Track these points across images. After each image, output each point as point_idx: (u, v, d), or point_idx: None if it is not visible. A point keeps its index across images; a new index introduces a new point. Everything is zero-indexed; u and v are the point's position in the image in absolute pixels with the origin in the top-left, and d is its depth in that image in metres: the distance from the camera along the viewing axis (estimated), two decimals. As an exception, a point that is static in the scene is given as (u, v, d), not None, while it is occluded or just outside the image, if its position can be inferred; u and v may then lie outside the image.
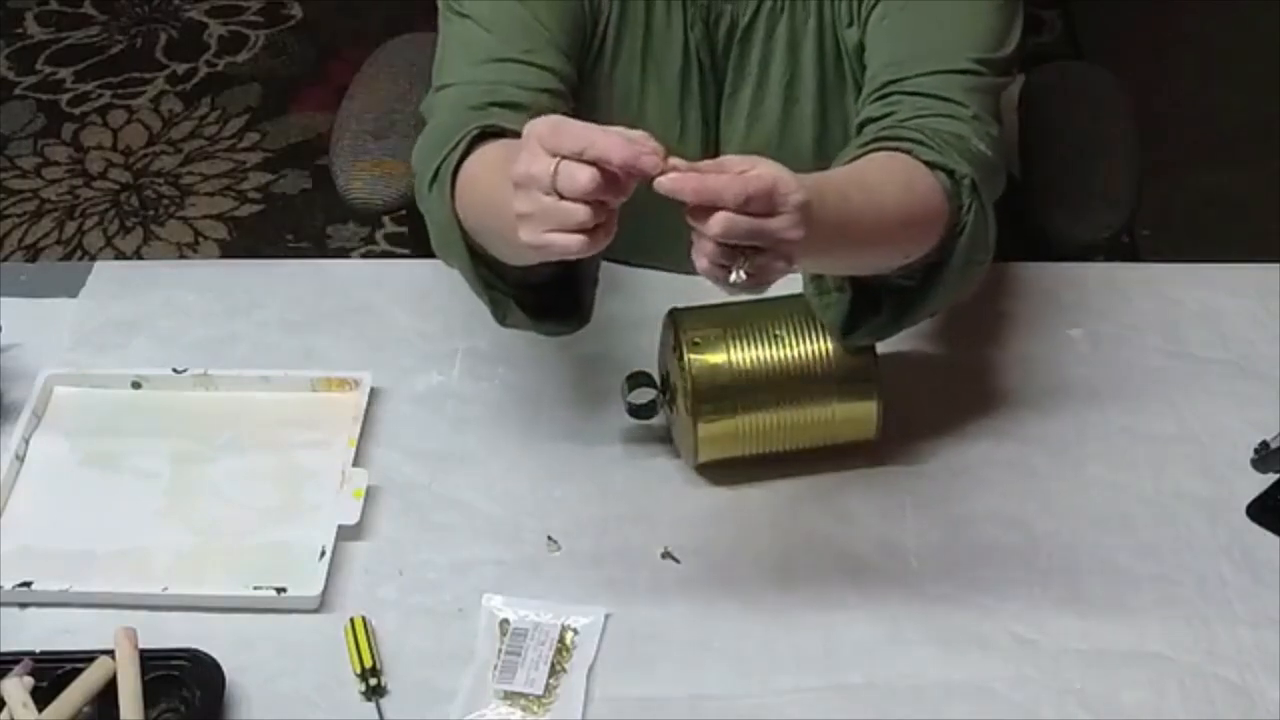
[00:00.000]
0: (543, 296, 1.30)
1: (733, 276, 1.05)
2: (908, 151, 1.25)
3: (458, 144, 1.25)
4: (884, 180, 1.23)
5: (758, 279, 1.06)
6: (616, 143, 1.02)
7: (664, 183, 1.03)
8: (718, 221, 1.03)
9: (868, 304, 1.29)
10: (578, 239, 1.04)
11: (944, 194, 1.24)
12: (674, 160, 1.04)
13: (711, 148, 1.46)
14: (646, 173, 1.02)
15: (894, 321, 1.29)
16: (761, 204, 1.03)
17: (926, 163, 1.25)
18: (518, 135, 1.11)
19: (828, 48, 1.41)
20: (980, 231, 1.25)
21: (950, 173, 1.25)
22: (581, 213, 1.03)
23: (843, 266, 1.24)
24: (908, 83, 1.32)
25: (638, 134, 1.04)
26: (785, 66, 1.42)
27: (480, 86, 1.32)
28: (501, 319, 1.30)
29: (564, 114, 1.12)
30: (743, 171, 1.04)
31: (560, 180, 1.03)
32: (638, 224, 1.39)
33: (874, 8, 1.37)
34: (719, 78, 1.43)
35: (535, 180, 1.04)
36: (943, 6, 1.35)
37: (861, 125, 1.33)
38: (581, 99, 1.40)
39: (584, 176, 1.02)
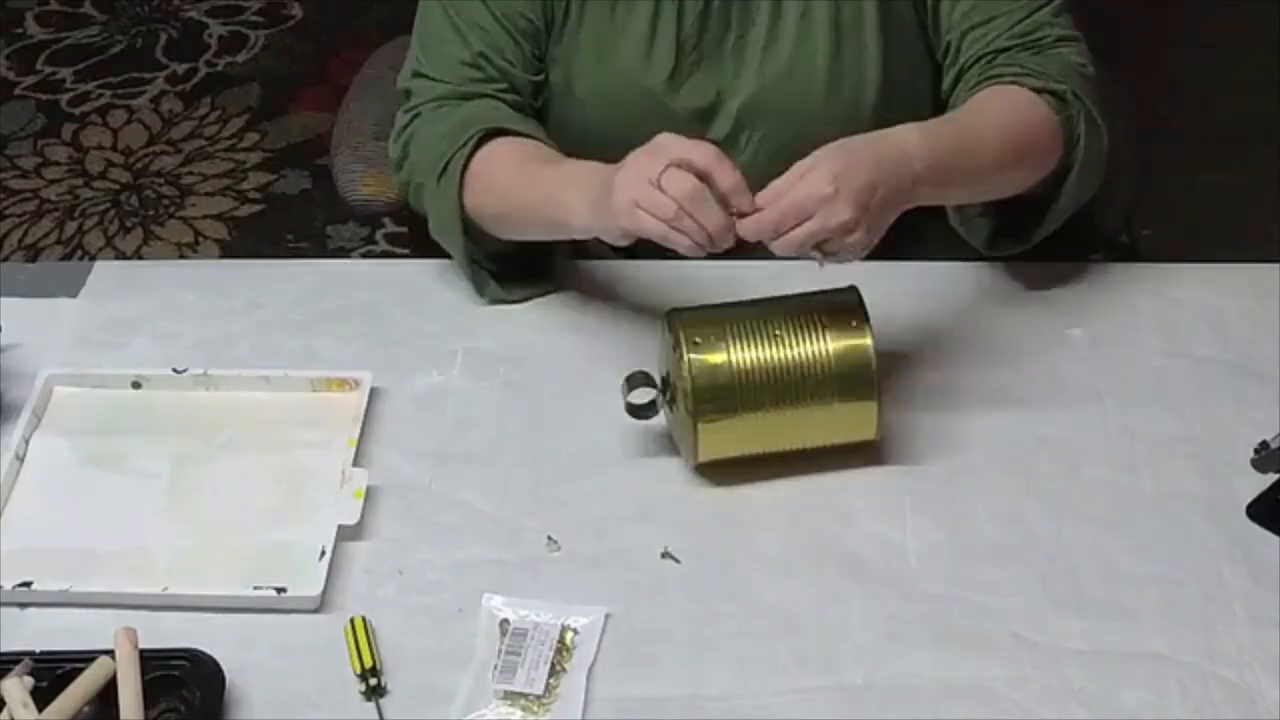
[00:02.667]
0: (515, 266, 1.50)
1: (818, 265, 1.27)
2: (1012, 82, 1.42)
3: (466, 143, 1.44)
4: (993, 116, 1.41)
5: (841, 259, 1.26)
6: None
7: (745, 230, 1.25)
8: (777, 247, 1.25)
9: (1007, 216, 1.47)
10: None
11: (1052, 111, 1.41)
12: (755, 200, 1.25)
13: (711, 90, 1.51)
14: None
15: (1034, 228, 1.45)
16: (799, 216, 1.24)
17: (1032, 89, 1.41)
18: (519, 134, 1.44)
19: None
20: (1095, 135, 1.43)
21: (1054, 93, 1.42)
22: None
23: (971, 196, 1.44)
24: (997, 40, 1.46)
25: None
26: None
27: (461, 88, 1.49)
28: (480, 291, 1.49)
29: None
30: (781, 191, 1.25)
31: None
32: None
33: None
34: (723, 22, 1.47)
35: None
36: None
37: (957, 85, 1.48)
38: (555, 60, 1.51)
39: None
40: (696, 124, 1.50)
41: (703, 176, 1.24)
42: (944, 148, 1.34)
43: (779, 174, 1.30)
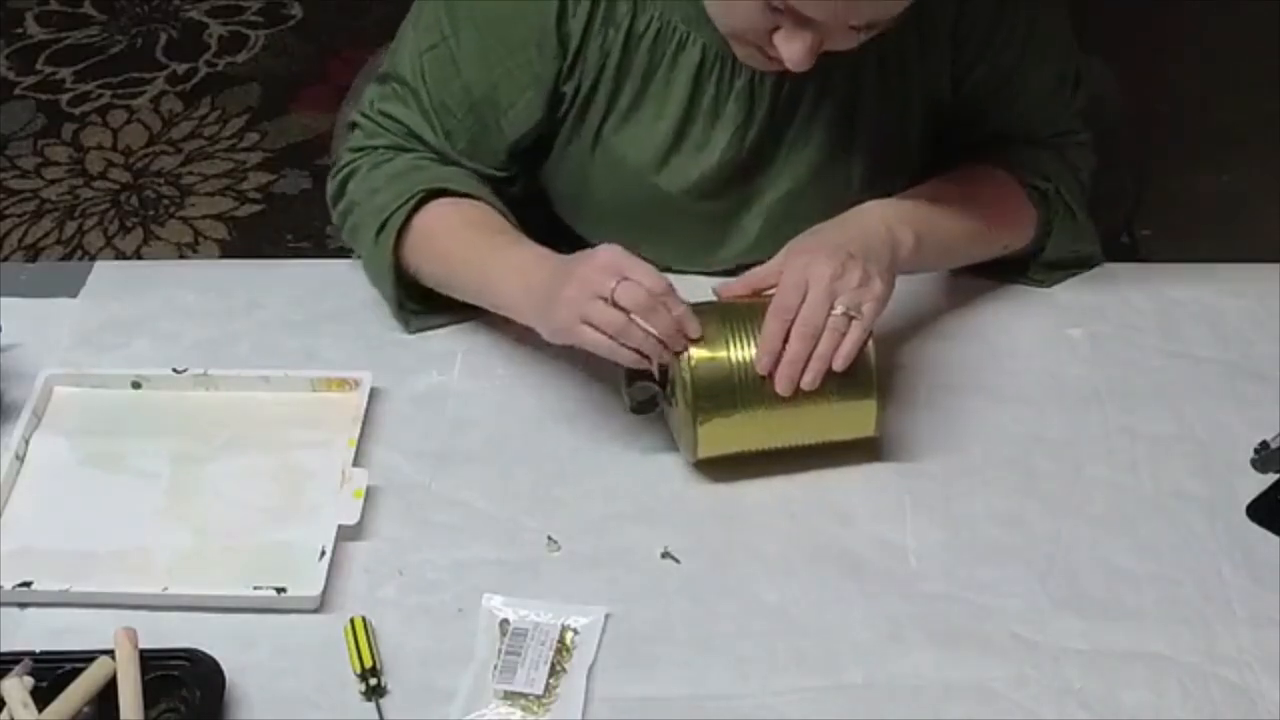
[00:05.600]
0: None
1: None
2: (1006, 168, 1.48)
3: (407, 200, 1.42)
4: (978, 204, 1.45)
5: (869, 317, 1.28)
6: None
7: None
8: (799, 339, 1.27)
9: None
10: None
11: (1033, 205, 1.48)
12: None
13: (736, 194, 1.48)
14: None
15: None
16: (798, 295, 1.28)
17: (1019, 180, 1.47)
18: (462, 194, 1.41)
19: (891, 70, 1.43)
20: (1067, 228, 1.50)
21: (1039, 190, 1.47)
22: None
23: (942, 267, 1.49)
24: (1018, 134, 1.50)
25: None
26: (847, 91, 1.43)
27: (409, 148, 1.47)
28: (406, 326, 1.47)
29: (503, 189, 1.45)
30: (769, 290, 1.31)
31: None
32: (660, 237, 1.43)
33: (970, 69, 1.45)
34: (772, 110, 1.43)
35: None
36: (1043, 69, 1.47)
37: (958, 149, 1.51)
38: (570, 155, 1.47)
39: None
40: (723, 222, 1.48)
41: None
42: (922, 219, 1.40)
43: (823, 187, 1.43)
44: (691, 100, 1.41)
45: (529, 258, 1.36)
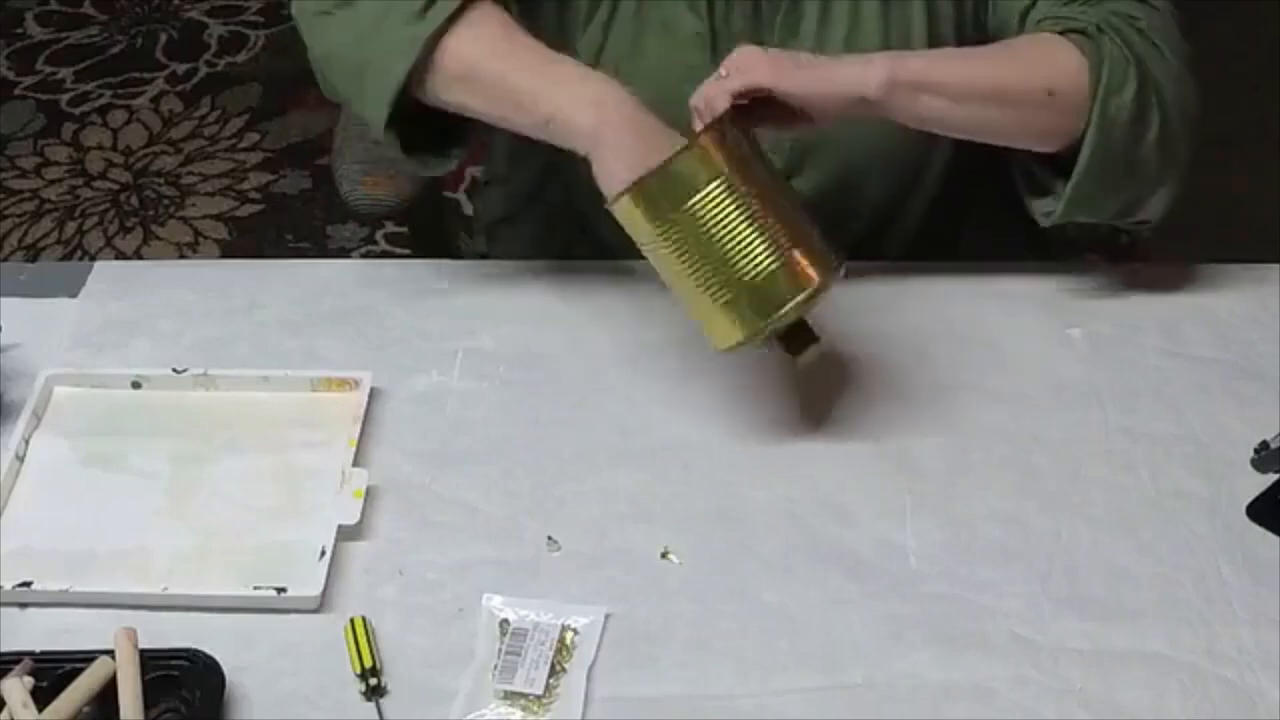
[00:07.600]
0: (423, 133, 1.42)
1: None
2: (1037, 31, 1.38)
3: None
4: (996, 46, 1.40)
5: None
6: None
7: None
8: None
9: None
10: None
11: (1076, 48, 1.35)
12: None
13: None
14: None
15: (1073, 193, 1.39)
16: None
17: (1059, 32, 1.36)
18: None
19: None
20: (1119, 84, 1.35)
21: (1078, 31, 1.36)
22: None
23: (974, 120, 1.36)
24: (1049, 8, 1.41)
25: None
26: None
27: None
28: (399, 148, 1.40)
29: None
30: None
31: None
32: None
33: None
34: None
35: None
36: None
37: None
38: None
39: None
40: None
41: None
42: (919, 56, 1.36)
43: (837, 200, 1.41)
44: None
45: (603, 90, 1.32)
